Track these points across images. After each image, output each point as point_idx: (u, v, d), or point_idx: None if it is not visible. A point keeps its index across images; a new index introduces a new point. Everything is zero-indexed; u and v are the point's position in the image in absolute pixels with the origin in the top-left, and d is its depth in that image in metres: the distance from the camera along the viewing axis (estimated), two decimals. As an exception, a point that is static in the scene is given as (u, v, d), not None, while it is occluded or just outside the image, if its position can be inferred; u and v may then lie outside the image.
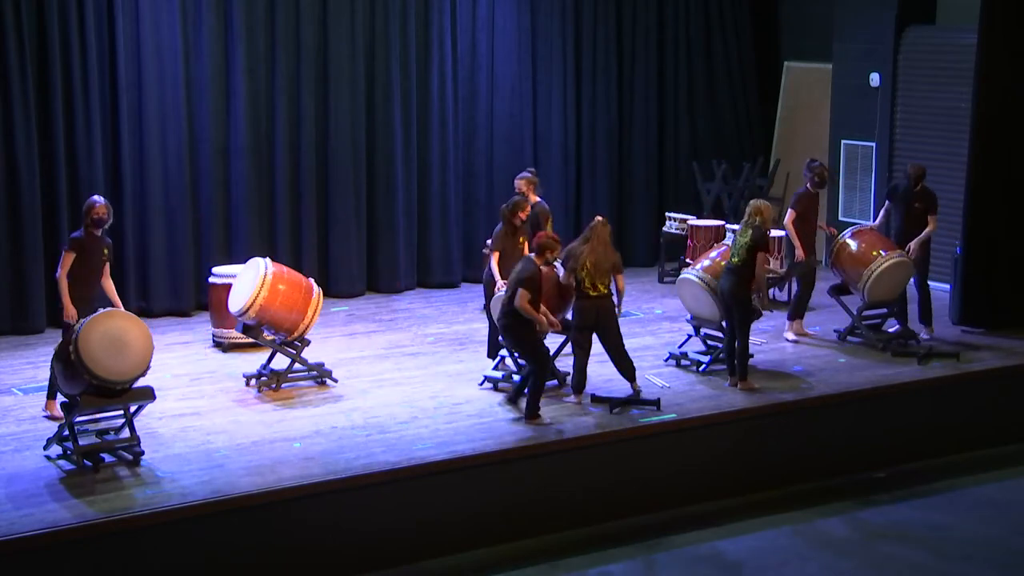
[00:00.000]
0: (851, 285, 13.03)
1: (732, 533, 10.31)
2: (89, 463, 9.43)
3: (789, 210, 13.15)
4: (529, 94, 16.43)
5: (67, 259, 10.40)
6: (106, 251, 10.59)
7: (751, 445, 11.10)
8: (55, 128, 13.33)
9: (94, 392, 9.41)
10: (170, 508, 8.82)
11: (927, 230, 13.03)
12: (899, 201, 13.17)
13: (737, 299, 11.42)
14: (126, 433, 9.75)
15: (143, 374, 9.54)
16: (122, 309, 10.07)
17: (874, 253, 12.87)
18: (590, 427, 10.54)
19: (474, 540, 9.85)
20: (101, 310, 9.73)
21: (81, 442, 9.63)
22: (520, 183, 12.76)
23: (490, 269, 11.90)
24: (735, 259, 11.43)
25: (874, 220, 16.03)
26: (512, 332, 10.66)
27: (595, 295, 10.93)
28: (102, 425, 10.01)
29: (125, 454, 9.60)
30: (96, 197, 10.75)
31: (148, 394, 9.69)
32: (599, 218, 11.29)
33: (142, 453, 9.59)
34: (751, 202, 11.67)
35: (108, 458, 9.59)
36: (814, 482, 11.25)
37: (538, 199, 12.69)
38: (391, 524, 9.59)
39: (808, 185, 13.19)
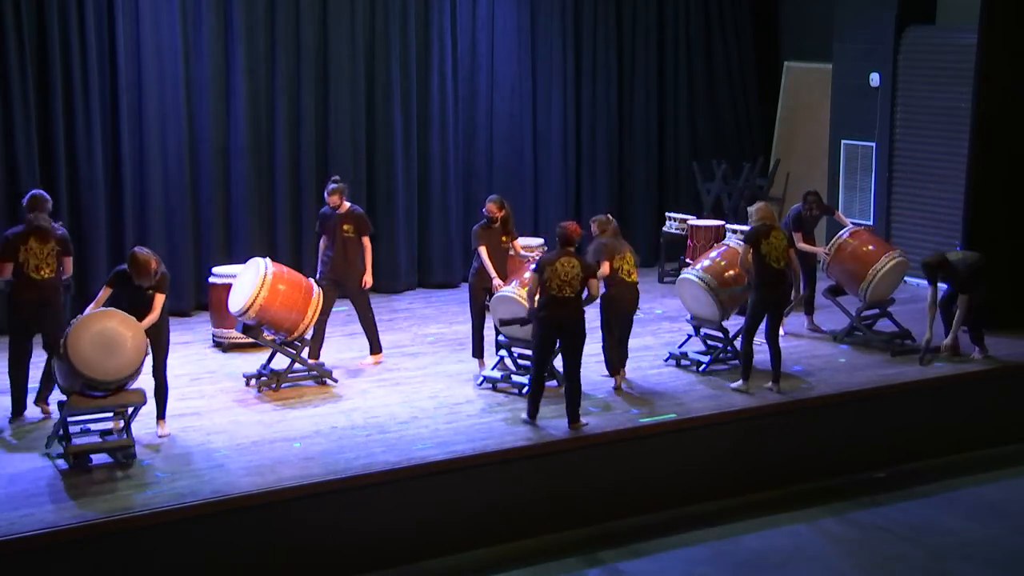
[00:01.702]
0: (849, 286, 13.00)
1: (732, 533, 10.31)
2: (75, 463, 9.40)
3: (796, 233, 13.23)
4: (529, 94, 16.43)
5: (104, 294, 9.95)
6: (147, 295, 9.93)
7: (751, 445, 11.10)
8: (55, 128, 13.34)
9: (85, 391, 9.39)
10: (170, 508, 8.82)
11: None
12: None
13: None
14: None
15: (133, 375, 9.47)
16: (122, 313, 9.75)
17: (874, 255, 12.84)
18: (590, 427, 10.53)
19: (474, 540, 9.86)
20: (100, 309, 9.72)
21: (83, 441, 9.64)
22: (334, 199, 12.12)
23: (481, 264, 11.88)
24: (783, 263, 11.42)
25: (873, 221, 16.09)
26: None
27: (631, 281, 11.43)
28: (106, 425, 9.97)
29: (119, 456, 9.56)
30: (144, 250, 10.03)
31: (139, 396, 9.62)
32: (608, 215, 11.78)
33: (134, 456, 9.55)
34: (760, 207, 11.63)
35: (107, 459, 9.59)
36: (814, 482, 11.25)
37: (350, 205, 12.25)
38: (391, 524, 9.59)
39: (810, 213, 13.48)
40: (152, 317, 9.89)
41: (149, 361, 10.04)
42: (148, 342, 9.62)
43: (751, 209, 11.73)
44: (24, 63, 13.12)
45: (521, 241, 14.03)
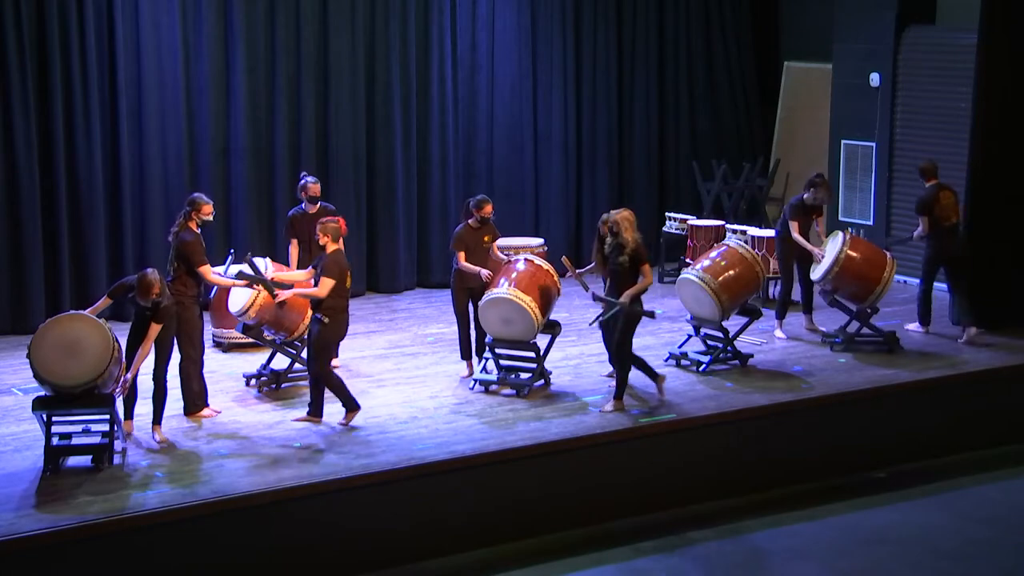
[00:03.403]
0: (857, 296, 12.70)
1: (732, 533, 10.31)
2: (48, 465, 9.38)
3: (792, 222, 13.04)
4: (529, 94, 16.43)
5: (102, 304, 9.96)
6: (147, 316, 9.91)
7: (751, 445, 11.10)
8: (55, 128, 13.34)
9: (52, 394, 9.36)
10: (170, 508, 8.83)
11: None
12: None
13: None
14: (119, 438, 9.77)
15: (98, 380, 9.30)
16: (89, 317, 9.59)
17: (879, 263, 12.71)
18: (590, 427, 10.54)
19: (474, 540, 9.86)
20: (68, 312, 9.71)
21: (83, 442, 9.64)
22: (317, 187, 12.10)
23: (459, 267, 11.82)
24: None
25: (873, 221, 16.07)
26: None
27: None
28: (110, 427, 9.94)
29: (93, 459, 9.51)
30: (157, 275, 9.85)
31: (106, 401, 9.48)
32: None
33: (111, 462, 9.48)
34: (628, 214, 11.02)
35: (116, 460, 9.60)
36: (814, 482, 11.25)
37: (321, 203, 12.19)
38: (391, 524, 9.59)
39: (817, 197, 13.19)
40: (145, 347, 9.83)
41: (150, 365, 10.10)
42: (116, 348, 9.40)
43: (617, 217, 10.98)
44: (24, 63, 13.12)
45: (520, 241, 14.07)
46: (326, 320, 10.38)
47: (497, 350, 11.59)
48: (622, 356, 10.99)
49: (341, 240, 10.56)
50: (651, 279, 10.94)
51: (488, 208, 11.89)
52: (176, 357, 10.45)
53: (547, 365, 11.66)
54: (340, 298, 10.42)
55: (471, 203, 11.95)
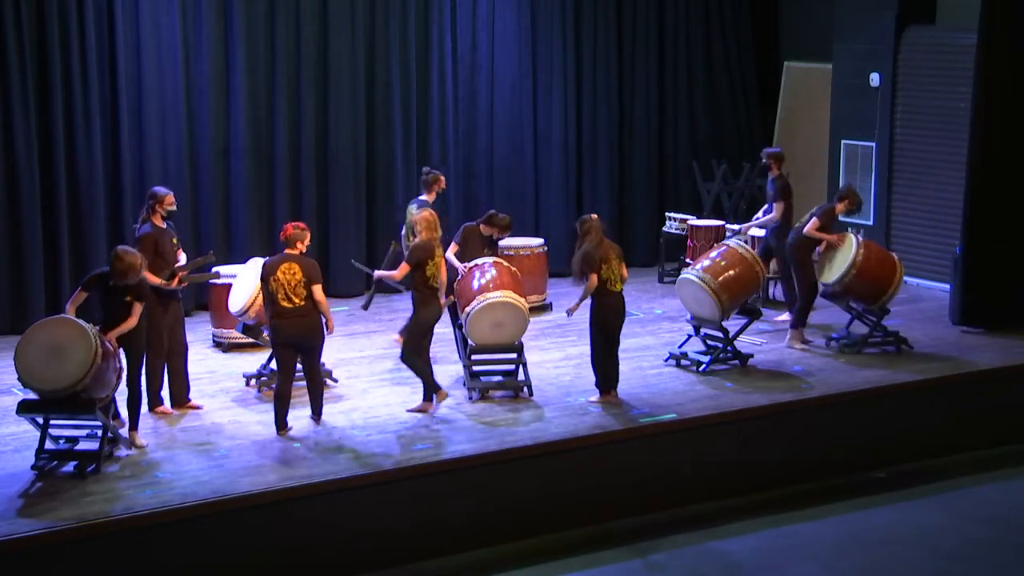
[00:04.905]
0: (868, 298, 12.65)
1: (732, 533, 10.31)
2: (38, 468, 9.41)
3: (814, 219, 12.87)
4: (529, 94, 16.42)
5: (79, 296, 9.87)
6: (125, 302, 9.81)
7: (751, 445, 11.10)
8: (55, 128, 13.34)
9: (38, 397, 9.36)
10: (170, 508, 8.83)
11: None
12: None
13: None
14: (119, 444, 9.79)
15: (76, 384, 9.20)
16: (73, 321, 9.47)
17: (890, 265, 12.66)
18: (590, 427, 10.54)
19: (474, 540, 9.86)
20: (52, 317, 9.70)
21: (84, 447, 9.66)
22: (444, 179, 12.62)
23: (445, 256, 11.79)
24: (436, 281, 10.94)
25: (873, 221, 16.07)
26: None
27: (618, 290, 10.99)
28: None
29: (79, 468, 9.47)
30: (131, 250, 9.88)
31: (90, 406, 9.40)
32: (593, 216, 11.34)
33: (96, 469, 9.41)
34: (425, 215, 10.88)
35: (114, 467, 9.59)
36: (814, 482, 11.25)
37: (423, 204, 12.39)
38: (391, 524, 9.59)
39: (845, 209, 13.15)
40: (130, 323, 9.76)
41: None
42: (98, 353, 9.27)
43: (416, 216, 10.95)
44: (24, 63, 13.12)
45: (520, 241, 14.09)
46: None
47: (475, 357, 11.43)
48: (405, 358, 10.94)
49: (301, 244, 10.48)
50: (398, 276, 10.95)
51: (507, 234, 12.19)
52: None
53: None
54: (270, 303, 10.26)
55: (499, 217, 12.03)
